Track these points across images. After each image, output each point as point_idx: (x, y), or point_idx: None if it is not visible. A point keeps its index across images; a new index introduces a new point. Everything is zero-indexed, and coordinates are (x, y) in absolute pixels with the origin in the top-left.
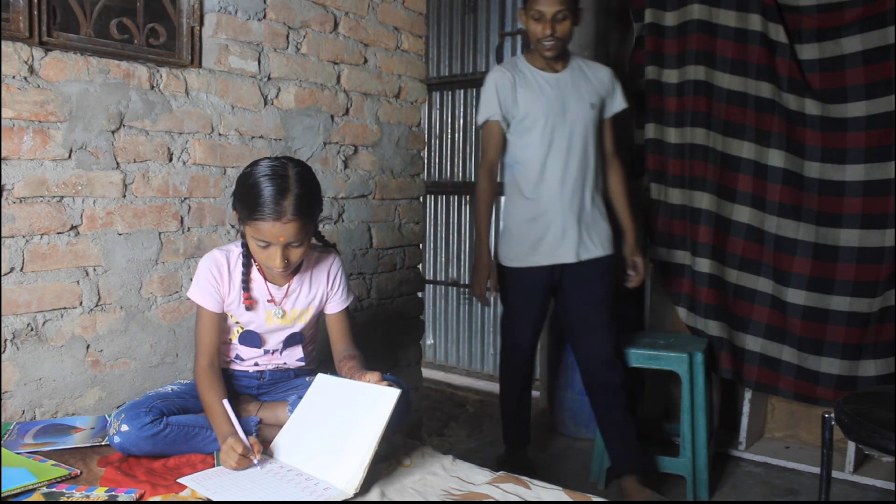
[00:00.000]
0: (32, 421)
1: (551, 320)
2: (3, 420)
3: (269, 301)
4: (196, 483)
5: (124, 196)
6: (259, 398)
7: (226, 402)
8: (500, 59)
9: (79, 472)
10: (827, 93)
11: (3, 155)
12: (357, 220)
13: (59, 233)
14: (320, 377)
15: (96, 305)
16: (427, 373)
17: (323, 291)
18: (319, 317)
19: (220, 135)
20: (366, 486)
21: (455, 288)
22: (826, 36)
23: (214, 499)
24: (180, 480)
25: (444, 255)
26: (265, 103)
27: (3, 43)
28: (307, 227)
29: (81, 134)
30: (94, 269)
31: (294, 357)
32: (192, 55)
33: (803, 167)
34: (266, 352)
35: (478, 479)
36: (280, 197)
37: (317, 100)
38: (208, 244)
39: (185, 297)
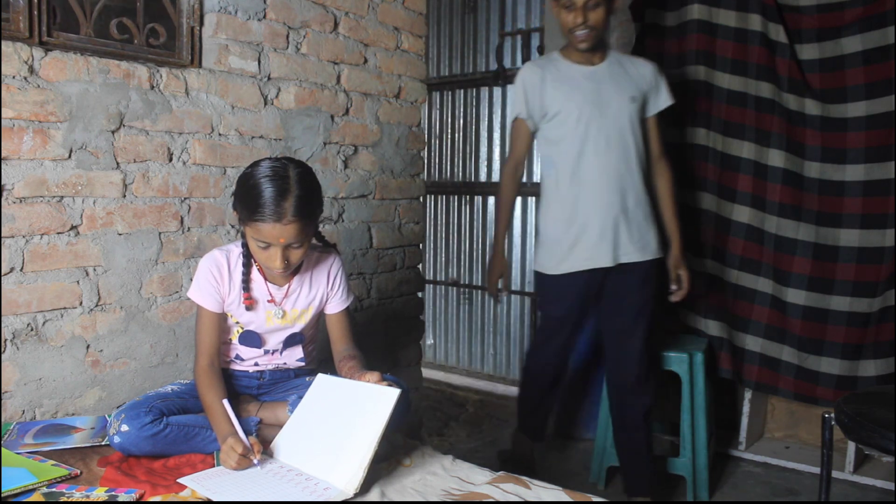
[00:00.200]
0: (32, 421)
1: None
2: (3, 420)
3: (269, 301)
4: (196, 483)
5: (124, 196)
6: (259, 398)
7: (226, 402)
8: (500, 59)
9: (79, 472)
10: (827, 93)
11: (3, 155)
12: (357, 220)
13: (59, 233)
14: (320, 377)
15: (96, 305)
16: (427, 373)
17: (323, 291)
18: (319, 317)
19: (220, 135)
20: (366, 486)
21: (455, 288)
22: (826, 36)
23: (214, 499)
24: (180, 480)
25: (444, 255)
26: (265, 103)
27: (3, 43)
28: (308, 228)
29: (81, 134)
30: (94, 269)
31: (294, 357)
32: (192, 55)
33: (803, 167)
34: (266, 352)
35: (478, 479)
36: (281, 198)
37: (317, 100)
38: (208, 244)
39: (185, 297)
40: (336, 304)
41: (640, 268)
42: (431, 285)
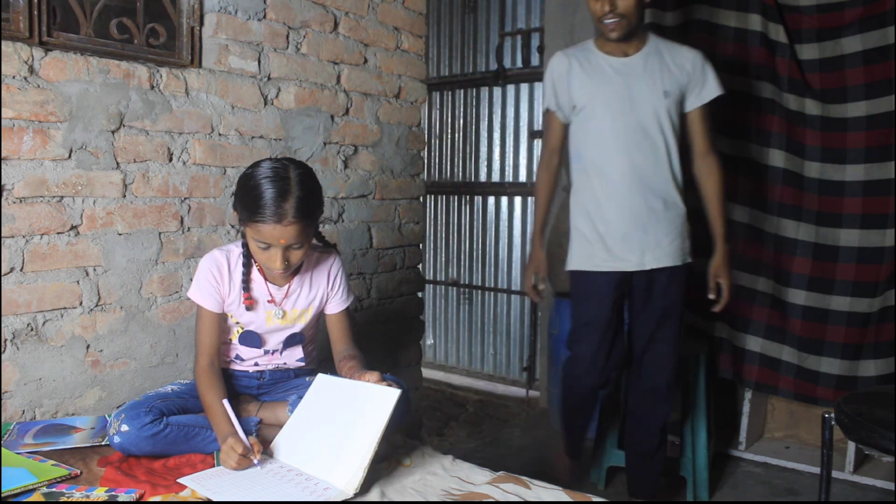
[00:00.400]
0: (32, 421)
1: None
2: (3, 420)
3: (269, 301)
4: (196, 483)
5: (124, 196)
6: (259, 398)
7: (226, 402)
8: (500, 59)
9: (79, 472)
10: (827, 93)
11: (3, 155)
12: (357, 220)
13: (59, 233)
14: (320, 377)
15: (96, 305)
16: (427, 373)
17: (323, 292)
18: (320, 317)
19: (220, 135)
20: (366, 486)
21: (455, 288)
22: (826, 36)
23: (214, 499)
24: (180, 480)
25: (444, 255)
26: (265, 103)
27: (3, 43)
28: (308, 229)
29: (81, 134)
30: (94, 269)
31: (294, 357)
32: (192, 55)
33: (803, 167)
34: (266, 352)
35: (478, 479)
36: (281, 199)
37: (317, 100)
38: (208, 244)
39: (185, 297)
40: (336, 305)
41: (665, 273)
42: (431, 285)
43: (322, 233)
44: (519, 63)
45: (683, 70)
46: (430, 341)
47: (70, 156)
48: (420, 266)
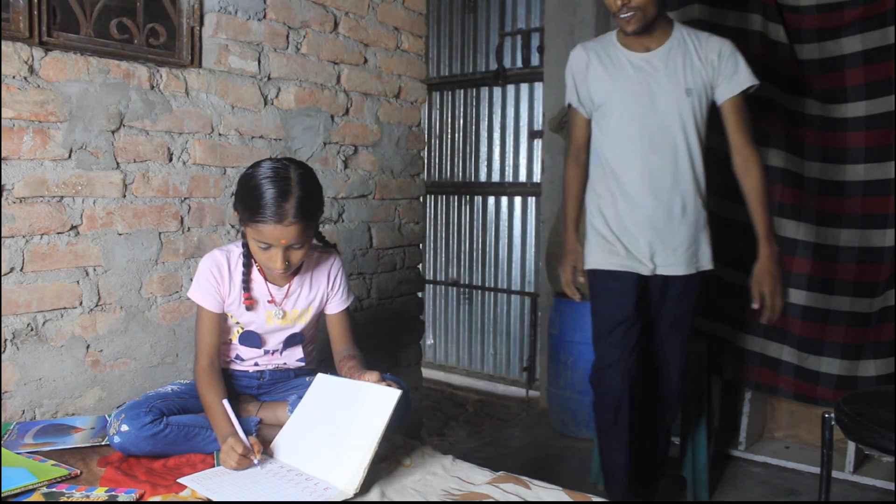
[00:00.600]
0: (32, 421)
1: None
2: (3, 420)
3: (269, 301)
4: (196, 483)
5: (124, 196)
6: (259, 398)
7: (226, 402)
8: (499, 59)
9: (79, 472)
10: (827, 93)
11: (3, 155)
12: (357, 220)
13: (59, 233)
14: (320, 377)
15: (96, 305)
16: (427, 373)
17: (323, 292)
18: (320, 317)
19: (220, 135)
20: (366, 486)
21: (455, 288)
22: (826, 36)
23: (214, 499)
24: (180, 480)
25: (444, 255)
26: (265, 103)
27: (3, 43)
28: (308, 229)
29: (81, 134)
30: (94, 269)
31: (294, 357)
32: (192, 55)
33: (803, 167)
34: (266, 352)
35: (478, 479)
36: (282, 199)
37: (317, 100)
38: (208, 244)
39: (186, 297)
40: (336, 305)
41: (680, 280)
42: (431, 285)
43: (322, 233)
44: (519, 63)
45: (709, 62)
46: (430, 341)
47: (70, 156)
48: (420, 266)
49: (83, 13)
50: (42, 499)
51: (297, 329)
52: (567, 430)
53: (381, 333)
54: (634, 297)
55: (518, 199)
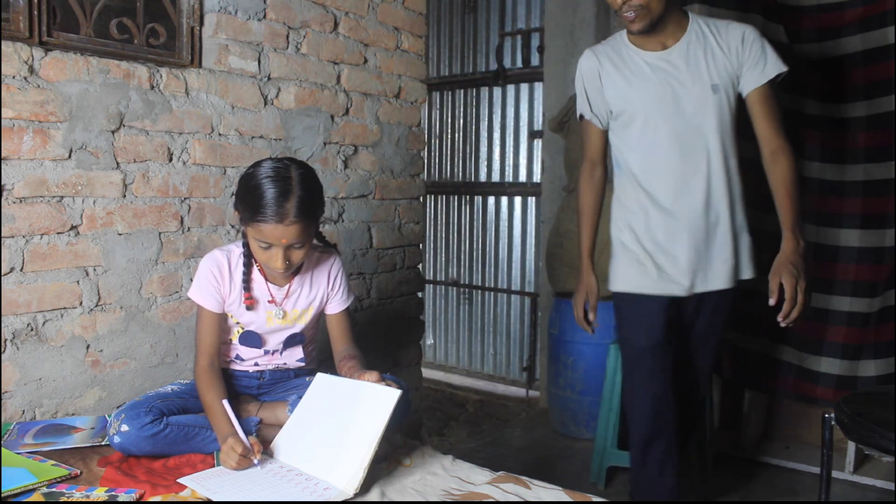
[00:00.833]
0: (32, 421)
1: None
2: (3, 420)
3: (269, 301)
4: (196, 483)
5: (124, 196)
6: (259, 398)
7: (226, 402)
8: (500, 59)
9: (79, 472)
10: (827, 93)
11: (3, 155)
12: (357, 220)
13: (59, 233)
14: (319, 376)
15: (96, 305)
16: (427, 373)
17: (323, 292)
18: (320, 317)
19: (220, 135)
20: (366, 486)
21: (455, 288)
22: (826, 36)
23: (214, 499)
24: (180, 480)
25: (444, 255)
26: (265, 103)
27: (3, 43)
28: (309, 228)
29: (81, 134)
30: (94, 269)
31: (294, 357)
32: (192, 55)
33: (803, 167)
34: (266, 352)
35: (478, 479)
36: (283, 199)
37: (317, 100)
38: (208, 244)
39: (186, 297)
40: (336, 305)
41: (714, 295)
42: (431, 285)
43: (322, 233)
44: (519, 63)
45: (733, 51)
46: (430, 341)
47: (70, 156)
48: (420, 266)
49: (83, 13)
50: (42, 499)
51: (297, 329)
52: (567, 430)
53: (381, 333)
54: (664, 322)
55: (518, 199)
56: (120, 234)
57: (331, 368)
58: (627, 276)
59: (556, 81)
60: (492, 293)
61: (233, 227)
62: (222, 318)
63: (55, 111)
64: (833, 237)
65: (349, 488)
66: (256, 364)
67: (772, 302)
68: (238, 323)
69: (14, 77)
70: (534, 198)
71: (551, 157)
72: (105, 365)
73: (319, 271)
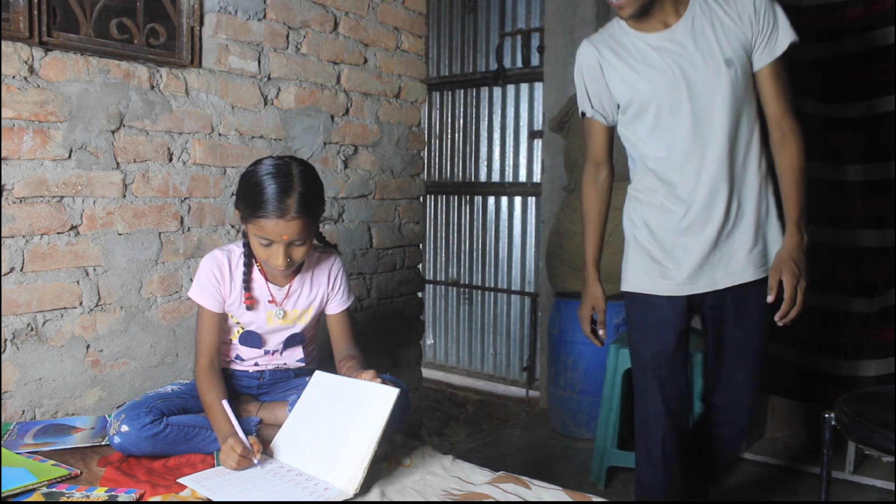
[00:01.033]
0: (32, 421)
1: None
2: (3, 420)
3: (269, 301)
4: (196, 483)
5: (124, 196)
6: (259, 398)
7: (225, 402)
8: (499, 59)
9: (79, 472)
10: (827, 93)
11: (3, 155)
12: (357, 220)
13: (59, 233)
14: (318, 374)
15: (96, 305)
16: (427, 373)
17: (324, 292)
18: (320, 317)
19: (220, 135)
20: (366, 486)
21: (455, 288)
22: (826, 36)
23: (214, 499)
24: (180, 480)
25: (444, 255)
26: (265, 103)
27: (3, 43)
28: (310, 225)
29: (81, 134)
30: (94, 269)
31: (294, 357)
32: (192, 55)
33: None
34: (266, 352)
35: (478, 479)
36: (284, 195)
37: (317, 100)
38: (208, 244)
39: (186, 297)
40: (337, 305)
41: (739, 291)
42: (431, 285)
43: (322, 233)
44: (519, 63)
45: (745, 20)
46: (430, 341)
47: (70, 156)
48: (420, 266)
49: (83, 13)
50: (42, 499)
51: (297, 329)
52: (567, 430)
53: (381, 333)
54: (678, 328)
55: (518, 199)
56: (120, 234)
57: (331, 368)
58: (640, 276)
59: (556, 81)
60: (492, 293)
61: (233, 226)
62: (222, 318)
63: (55, 111)
64: (833, 237)
65: (349, 488)
66: (256, 364)
67: (770, 299)
68: (238, 323)
69: (14, 77)
70: (534, 198)
71: (551, 157)
72: (105, 365)
73: (320, 271)
